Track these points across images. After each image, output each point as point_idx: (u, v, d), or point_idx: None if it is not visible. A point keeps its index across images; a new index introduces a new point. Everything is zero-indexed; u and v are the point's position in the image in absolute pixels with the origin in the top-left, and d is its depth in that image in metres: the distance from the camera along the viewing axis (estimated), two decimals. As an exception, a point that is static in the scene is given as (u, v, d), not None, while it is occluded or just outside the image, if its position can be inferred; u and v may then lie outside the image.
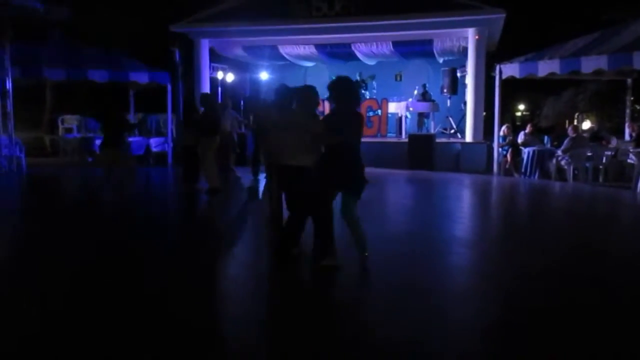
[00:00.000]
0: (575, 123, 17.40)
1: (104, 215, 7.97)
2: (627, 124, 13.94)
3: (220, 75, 16.30)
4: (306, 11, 14.56)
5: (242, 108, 16.11)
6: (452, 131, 16.01)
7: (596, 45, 10.92)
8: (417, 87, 16.39)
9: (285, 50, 16.37)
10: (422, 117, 17.24)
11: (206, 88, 15.95)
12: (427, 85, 16.94)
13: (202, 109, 9.82)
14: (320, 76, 18.88)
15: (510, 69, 12.26)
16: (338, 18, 14.41)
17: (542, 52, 11.92)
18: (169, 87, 14.48)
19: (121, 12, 17.51)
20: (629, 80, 14.45)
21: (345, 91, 5.08)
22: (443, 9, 13.73)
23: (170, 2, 17.09)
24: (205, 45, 15.87)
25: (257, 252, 6.06)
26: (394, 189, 11.49)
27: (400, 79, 18.91)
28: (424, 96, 16.75)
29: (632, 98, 15.19)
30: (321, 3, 14.50)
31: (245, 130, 14.30)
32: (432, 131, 16.37)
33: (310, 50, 16.08)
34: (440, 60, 17.32)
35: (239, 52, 16.76)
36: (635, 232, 7.29)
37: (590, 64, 10.71)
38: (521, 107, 31.20)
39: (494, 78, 12.73)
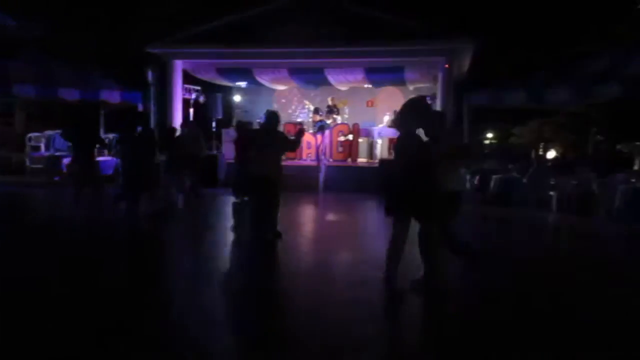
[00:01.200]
0: (540, 152, 17.91)
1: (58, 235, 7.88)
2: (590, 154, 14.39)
3: (193, 96, 16.29)
4: (280, 36, 14.71)
5: (214, 130, 16.12)
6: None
7: (561, 78, 11.28)
8: (387, 114, 16.63)
9: (258, 74, 16.47)
10: (393, 142, 17.50)
11: (178, 109, 15.93)
12: (397, 112, 17.24)
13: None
14: (291, 100, 19.12)
15: (478, 98, 12.57)
16: (311, 43, 14.59)
17: (509, 82, 12.26)
18: (141, 107, 14.41)
19: (96, 31, 17.45)
20: (593, 112, 14.94)
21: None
22: (414, 38, 14.03)
23: (145, 23, 17.08)
24: (178, 67, 15.89)
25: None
26: (362, 214, 11.59)
27: (372, 105, 19.17)
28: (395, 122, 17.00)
29: (595, 129, 15.71)
30: (295, 28, 14.68)
31: (217, 152, 14.30)
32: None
33: (283, 74, 16.21)
34: (411, 88, 17.65)
35: (212, 74, 16.80)
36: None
37: (554, 96, 11.05)
38: (489, 135, 32.07)
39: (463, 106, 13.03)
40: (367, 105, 19.17)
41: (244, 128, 11.57)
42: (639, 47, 10.72)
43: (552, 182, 12.15)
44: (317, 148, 15.21)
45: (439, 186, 5.14)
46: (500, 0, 18.58)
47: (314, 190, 14.17)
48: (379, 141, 17.41)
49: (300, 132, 8.64)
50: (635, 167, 15.80)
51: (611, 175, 11.69)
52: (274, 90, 19.49)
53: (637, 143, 15.51)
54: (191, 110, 16.42)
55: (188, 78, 16.58)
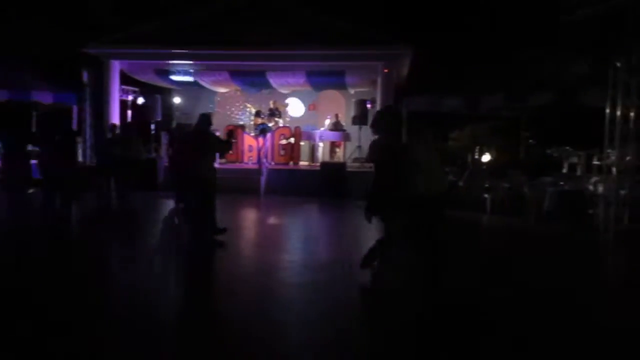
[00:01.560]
0: (476, 156, 18.49)
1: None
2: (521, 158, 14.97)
3: (130, 98, 15.90)
4: (221, 38, 14.58)
5: (153, 132, 15.81)
6: (363, 160, 16.46)
7: (495, 85, 11.72)
8: (329, 117, 16.79)
9: (200, 75, 16.26)
10: (334, 146, 17.66)
11: (115, 111, 15.52)
12: (339, 115, 17.43)
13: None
14: (232, 102, 18.99)
15: (416, 103, 12.88)
16: (253, 46, 14.55)
17: (446, 88, 12.62)
18: (75, 109, 13.96)
19: (29, 30, 16.70)
20: (524, 117, 15.55)
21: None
22: (355, 42, 14.23)
23: (82, 23, 16.54)
24: (115, 67, 15.48)
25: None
26: (304, 217, 11.64)
27: (314, 109, 19.29)
28: (336, 126, 17.20)
29: (527, 134, 16.35)
30: (237, 30, 14.59)
31: (154, 155, 14.03)
32: (342, 160, 16.81)
33: (224, 77, 16.07)
34: (352, 92, 17.88)
35: (151, 75, 16.46)
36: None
37: (489, 102, 11.47)
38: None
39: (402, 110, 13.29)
40: (309, 109, 19.28)
41: (177, 130, 11.46)
42: (569, 57, 11.29)
43: (487, 185, 12.59)
44: (259, 151, 15.17)
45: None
46: (439, 8, 19.11)
47: (255, 194, 14.12)
48: (321, 144, 17.54)
49: (231, 134, 8.84)
50: (564, 170, 16.57)
51: (540, 178, 12.24)
52: (215, 93, 19.30)
53: (566, 148, 16.28)
54: (129, 112, 16.04)
55: (126, 79, 16.18)
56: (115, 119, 15.24)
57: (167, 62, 15.37)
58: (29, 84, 13.42)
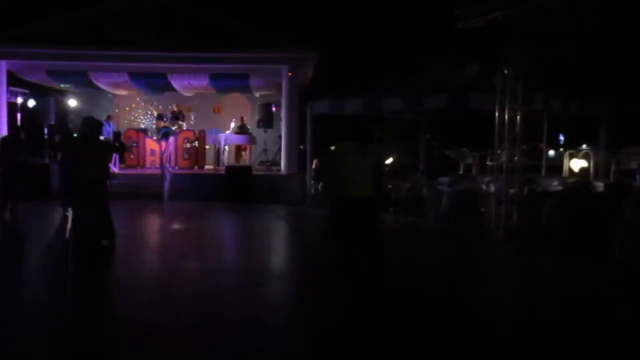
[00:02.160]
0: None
1: None
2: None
3: (19, 100, 14.88)
4: (120, 38, 14.03)
5: (46, 136, 14.89)
6: (269, 164, 16.44)
7: (394, 88, 12.05)
8: (233, 120, 16.62)
9: (96, 77, 15.52)
10: (240, 149, 17.48)
11: (3, 113, 14.49)
12: (244, 118, 17.30)
13: None
14: (133, 105, 18.34)
15: (320, 106, 13.01)
16: (154, 47, 14.11)
17: (348, 91, 12.84)
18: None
19: None
20: (424, 121, 16.17)
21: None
22: (258, 45, 14.18)
23: None
24: (2, 67, 14.44)
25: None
26: (206, 222, 11.43)
27: (219, 112, 19.01)
28: (242, 129, 17.05)
29: (428, 136, 17.03)
30: (137, 31, 14.10)
31: (49, 161, 13.24)
32: (248, 163, 16.69)
33: (124, 78, 15.46)
34: (257, 95, 17.79)
35: (42, 76, 15.51)
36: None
37: (389, 105, 11.77)
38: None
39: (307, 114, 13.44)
40: (214, 112, 18.97)
41: (63, 135, 10.85)
42: (461, 63, 11.84)
43: (389, 186, 12.95)
44: (161, 155, 14.72)
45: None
46: (343, 14, 19.50)
47: (158, 199, 13.67)
48: (226, 148, 17.31)
49: (117, 136, 8.61)
50: (460, 171, 17.40)
51: (438, 179, 12.77)
52: (115, 96, 18.53)
53: (464, 149, 17.13)
54: (18, 116, 15.01)
55: (16, 80, 15.14)
56: (2, 122, 14.24)
57: (59, 62, 14.52)
58: None
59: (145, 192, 13.81)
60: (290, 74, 14.72)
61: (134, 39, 14.13)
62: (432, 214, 11.36)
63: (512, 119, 9.73)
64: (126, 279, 6.36)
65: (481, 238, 9.85)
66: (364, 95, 12.17)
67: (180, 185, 14.42)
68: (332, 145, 6.13)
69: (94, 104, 18.09)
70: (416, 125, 16.39)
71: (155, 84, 15.92)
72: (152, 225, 11.11)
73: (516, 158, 9.70)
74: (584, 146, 14.97)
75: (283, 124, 15.12)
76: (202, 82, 15.80)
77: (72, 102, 17.97)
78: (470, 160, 18.18)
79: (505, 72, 9.59)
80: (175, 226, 10.87)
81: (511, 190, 9.95)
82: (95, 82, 15.77)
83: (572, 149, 15.78)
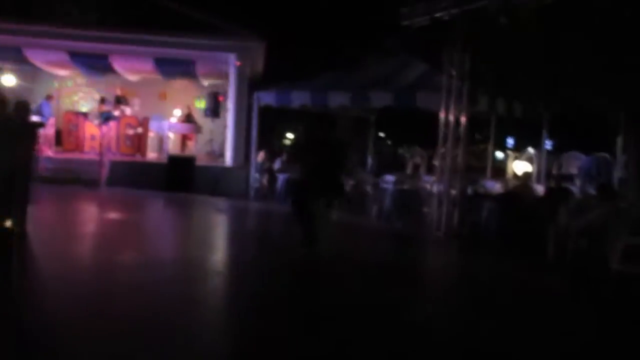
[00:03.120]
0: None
1: None
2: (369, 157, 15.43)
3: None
4: (53, 14, 13.28)
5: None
6: (216, 154, 15.97)
7: (342, 82, 11.82)
8: (179, 109, 16.11)
9: (32, 54, 14.68)
10: (185, 138, 16.96)
11: None
12: (190, 106, 16.77)
13: None
14: (74, 87, 17.52)
15: (267, 97, 12.67)
16: (92, 26, 13.43)
17: (296, 83, 12.54)
18: None
19: None
20: (372, 118, 16.04)
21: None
22: (204, 32, 13.71)
23: None
24: None
25: None
26: (139, 212, 10.98)
27: (165, 98, 18.36)
28: (188, 118, 16.53)
29: (381, 133, 16.98)
30: (72, 8, 13.40)
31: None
32: (193, 153, 16.20)
33: (63, 57, 14.67)
34: (205, 83, 17.27)
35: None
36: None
37: (336, 99, 11.54)
38: (290, 135, 32.92)
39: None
40: (160, 98, 18.31)
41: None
42: (409, 61, 11.71)
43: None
44: (100, 141, 14.07)
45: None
46: (293, 5, 19.17)
47: (94, 186, 13.07)
48: (171, 136, 16.76)
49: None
50: (408, 170, 17.39)
51: (384, 177, 12.65)
52: (55, 76, 17.65)
53: (417, 147, 17.11)
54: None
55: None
56: None
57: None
58: None
59: (82, 178, 13.18)
60: (238, 63, 14.30)
61: (74, 16, 13.42)
62: (375, 212, 11.21)
63: (457, 119, 9.67)
64: (36, 270, 5.92)
65: (420, 239, 9.78)
66: (311, 88, 11.90)
67: (120, 173, 13.83)
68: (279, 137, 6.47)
69: (33, 84, 17.17)
70: (366, 122, 16.25)
71: (96, 64, 15.19)
72: (78, 213, 10.53)
73: (459, 159, 9.64)
74: (530, 149, 15.14)
75: (230, 115, 14.69)
76: (146, 66, 15.18)
77: (7, 80, 16.99)
78: (418, 160, 18.24)
79: (453, 73, 9.53)
80: (103, 215, 10.37)
81: (453, 192, 9.90)
82: (31, 59, 14.92)
83: (520, 152, 15.99)
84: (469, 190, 10.63)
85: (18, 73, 17.02)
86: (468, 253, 8.67)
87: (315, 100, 11.85)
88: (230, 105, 14.67)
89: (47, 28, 13.36)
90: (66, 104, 17.31)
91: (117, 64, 15.11)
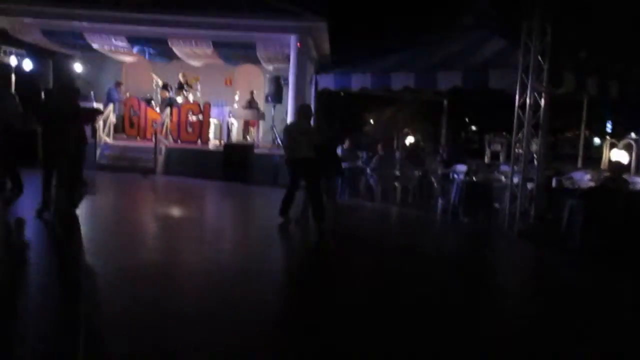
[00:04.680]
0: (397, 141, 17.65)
1: None
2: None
3: (13, 61, 14.03)
4: (117, -1, 13.01)
5: (43, 101, 14.06)
6: (277, 142, 15.25)
7: (407, 63, 10.69)
8: (237, 93, 15.51)
9: (93, 39, 14.54)
10: (248, 125, 16.38)
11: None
12: (254, 92, 16.12)
13: None
14: (140, 73, 17.35)
15: (325, 81, 11.73)
16: (150, 9, 13.03)
17: (357, 65, 11.52)
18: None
19: None
20: (445, 102, 14.69)
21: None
22: (263, 12, 12.97)
23: None
24: (-7, 24, 13.64)
25: None
26: (193, 202, 10.40)
27: (230, 84, 17.88)
28: (251, 104, 15.91)
29: (466, 119, 15.60)
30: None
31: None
32: (257, 141, 15.59)
33: (122, 42, 14.44)
34: (270, 68, 16.56)
35: (37, 36, 14.62)
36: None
37: (399, 81, 10.41)
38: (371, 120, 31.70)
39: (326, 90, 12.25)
40: (225, 84, 17.84)
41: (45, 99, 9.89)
42: (482, 38, 10.36)
43: (397, 173, 11.66)
44: (155, 127, 13.70)
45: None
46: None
47: (150, 174, 12.73)
48: (235, 122, 16.23)
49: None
50: (486, 160, 15.88)
51: (455, 167, 11.40)
52: (122, 63, 17.61)
53: (504, 134, 15.52)
54: (13, 77, 14.20)
55: (8, 39, 14.30)
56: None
57: (55, 21, 13.58)
58: None
59: (137, 165, 12.90)
60: (298, 44, 13.43)
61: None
62: (441, 206, 10.02)
63: (536, 101, 8.31)
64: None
65: (486, 237, 8.55)
66: (372, 70, 10.82)
67: (177, 160, 13.46)
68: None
69: (100, 70, 17.22)
70: (437, 106, 14.93)
71: (156, 49, 14.85)
72: (123, 203, 10.09)
73: (536, 147, 8.30)
74: (633, 135, 13.10)
75: (289, 100, 13.88)
76: (206, 50, 14.66)
77: (78, 67, 17.13)
78: (498, 147, 16.65)
79: (530, 46, 8.17)
80: (147, 205, 9.88)
81: (529, 185, 8.55)
82: (93, 44, 14.80)
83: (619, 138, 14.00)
84: (554, 182, 9.25)
85: (86, 60, 17.14)
86: (541, 258, 7.35)
87: (376, 83, 10.75)
88: (290, 89, 13.84)
89: (105, 12, 13.10)
90: (131, 90, 17.20)
91: (177, 49, 14.70)
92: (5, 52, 13.97)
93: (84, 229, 7.20)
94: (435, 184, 10.41)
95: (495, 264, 7.24)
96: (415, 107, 16.81)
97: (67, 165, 7.42)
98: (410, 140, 15.96)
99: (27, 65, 14.23)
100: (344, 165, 11.79)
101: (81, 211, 7.63)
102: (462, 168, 11.18)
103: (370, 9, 17.38)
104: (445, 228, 9.44)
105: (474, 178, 9.82)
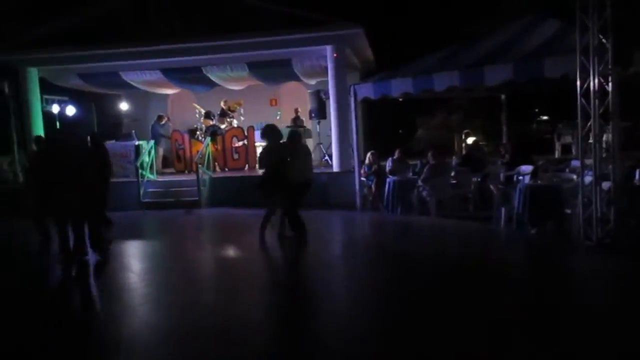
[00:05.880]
0: (468, 139, 16.39)
1: None
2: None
3: (55, 108, 14.09)
4: (144, 32, 12.72)
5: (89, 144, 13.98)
6: (324, 159, 14.46)
7: (448, 61, 9.67)
8: (278, 112, 14.89)
9: (128, 76, 14.38)
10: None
11: (39, 124, 13.78)
12: (298, 109, 15.46)
13: None
14: (184, 105, 17.10)
15: (364, 90, 10.87)
16: (181, 37, 12.67)
17: (396, 70, 10.58)
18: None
19: None
20: (503, 97, 13.42)
21: None
22: (295, 25, 12.30)
23: None
24: (34, 75, 13.69)
25: None
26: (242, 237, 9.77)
27: (276, 104, 17.33)
28: (296, 122, 15.25)
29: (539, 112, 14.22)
30: (160, 22, 12.73)
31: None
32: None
33: (157, 76, 14.19)
34: (313, 82, 15.85)
35: (75, 80, 14.63)
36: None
37: (442, 81, 9.39)
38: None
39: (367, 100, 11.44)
40: (271, 105, 17.30)
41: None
42: (532, 24, 9.16)
43: (453, 181, 10.56)
44: (197, 158, 13.23)
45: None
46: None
47: (194, 207, 12.26)
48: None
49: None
50: (556, 155, 14.47)
51: (519, 168, 10.20)
52: (167, 95, 17.48)
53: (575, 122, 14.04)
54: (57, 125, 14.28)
55: (49, 87, 14.40)
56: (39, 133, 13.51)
57: (89, 64, 13.49)
58: None
59: (180, 200, 12.47)
60: (334, 54, 12.64)
61: (161, 32, 12.77)
62: (504, 215, 8.84)
63: (602, 86, 7.09)
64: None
65: (558, 251, 7.36)
66: (412, 73, 9.86)
67: (222, 190, 12.91)
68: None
69: (145, 106, 17.15)
70: (494, 102, 13.68)
71: (191, 78, 14.51)
72: (156, 242, 9.59)
73: (605, 139, 7.07)
74: None
75: (331, 113, 13.08)
76: (241, 73, 14.16)
77: (124, 105, 17.14)
78: (569, 139, 15.15)
79: (588, 24, 6.98)
80: (190, 247, 9.29)
81: (605, 185, 7.28)
82: (130, 82, 14.65)
83: None
84: (637, 176, 7.93)
85: (132, 98, 17.12)
86: (629, 275, 6.11)
87: (418, 87, 9.77)
88: (331, 102, 13.05)
89: (136, 49, 12.85)
90: (177, 122, 17.00)
91: (212, 75, 14.28)
92: (47, 101, 14.05)
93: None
94: (494, 190, 9.24)
95: (573, 283, 6.07)
96: (469, 106, 15.57)
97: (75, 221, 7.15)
98: (468, 141, 14.79)
99: (70, 110, 14.24)
100: (394, 178, 10.87)
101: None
102: (527, 169, 9.96)
103: (410, 7, 16.33)
104: (508, 241, 8.33)
105: (539, 181, 8.61)
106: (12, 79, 13.71)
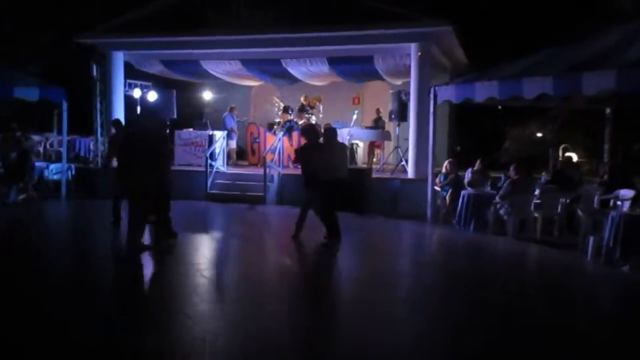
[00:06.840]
0: (565, 154, 14.92)
1: None
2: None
3: (137, 93, 14.22)
4: (225, 21, 12.50)
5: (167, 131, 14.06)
6: (401, 164, 13.58)
7: (542, 65, 8.54)
8: (356, 112, 14.16)
9: (208, 66, 14.26)
10: (373, 146, 14.91)
11: (120, 107, 13.98)
12: (380, 110, 14.68)
13: None
14: (266, 98, 16.83)
15: (446, 92, 9.95)
16: (261, 29, 12.32)
17: (483, 72, 9.57)
18: (65, 105, 12.51)
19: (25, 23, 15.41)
20: (608, 110, 11.91)
21: None
22: (379, 21, 11.55)
23: (71, 11, 15.12)
24: (119, 59, 13.88)
25: None
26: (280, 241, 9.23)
27: (359, 102, 16.65)
28: (377, 123, 14.51)
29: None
30: (241, 13, 12.43)
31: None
32: (381, 164, 14.14)
33: (237, 66, 13.94)
34: (399, 82, 15.01)
35: (158, 67, 14.72)
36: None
37: (533, 88, 8.29)
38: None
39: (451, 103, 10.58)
40: (353, 103, 16.64)
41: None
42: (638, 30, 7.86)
43: (537, 201, 9.38)
44: (266, 153, 12.83)
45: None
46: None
47: (259, 204, 11.86)
48: (360, 144, 14.94)
49: None
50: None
51: (617, 192, 8.90)
52: (250, 88, 17.32)
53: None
54: (138, 110, 14.40)
55: (133, 72, 14.58)
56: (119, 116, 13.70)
57: (172, 51, 13.48)
58: (12, 78, 11.99)
59: (246, 195, 12.11)
60: (419, 53, 11.76)
61: (243, 22, 12.48)
62: (592, 247, 7.63)
63: None
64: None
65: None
66: (500, 77, 8.83)
67: (290, 188, 12.40)
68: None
69: (228, 96, 17.06)
70: (598, 116, 12.19)
71: (270, 70, 14.15)
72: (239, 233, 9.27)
73: None
74: None
75: (411, 115, 12.22)
76: (321, 68, 13.60)
77: (207, 95, 17.16)
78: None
79: None
80: (232, 244, 8.85)
81: None
82: (210, 71, 14.53)
83: None
84: None
85: (215, 88, 17.11)
86: None
87: (505, 92, 8.73)
88: (411, 104, 12.19)
89: (216, 37, 12.65)
90: (257, 114, 16.74)
91: (292, 69, 13.85)
92: (130, 85, 14.23)
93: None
94: (582, 216, 8.03)
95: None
96: (569, 119, 14.06)
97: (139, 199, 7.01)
98: (574, 156, 13.31)
99: (152, 96, 14.32)
100: (470, 191, 9.88)
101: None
102: (628, 194, 8.64)
103: (511, 6, 15.04)
104: (594, 277, 7.14)
105: (637, 209, 7.35)
106: (100, 62, 13.98)
